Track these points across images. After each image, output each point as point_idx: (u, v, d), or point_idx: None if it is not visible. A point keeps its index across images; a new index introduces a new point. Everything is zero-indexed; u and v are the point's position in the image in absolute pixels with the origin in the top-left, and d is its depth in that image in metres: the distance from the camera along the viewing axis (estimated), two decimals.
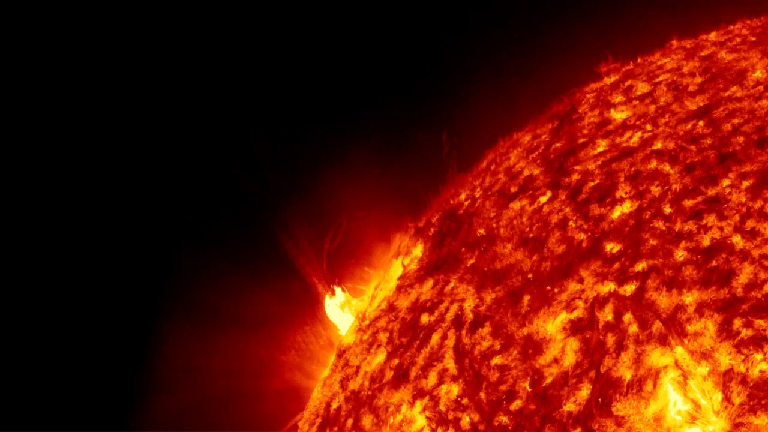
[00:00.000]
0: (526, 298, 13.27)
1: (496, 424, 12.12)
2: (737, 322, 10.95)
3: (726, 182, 12.68)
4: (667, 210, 12.87)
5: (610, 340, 11.75)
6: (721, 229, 12.06)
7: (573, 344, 12.12)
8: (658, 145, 14.10)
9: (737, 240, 11.78)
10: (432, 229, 17.19)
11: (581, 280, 12.76)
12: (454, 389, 13.07)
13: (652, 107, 15.27)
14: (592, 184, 14.25)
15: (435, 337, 14.16)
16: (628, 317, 11.81)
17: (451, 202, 17.49)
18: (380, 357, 15.26)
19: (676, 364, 11.02)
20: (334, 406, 15.78)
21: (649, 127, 14.73)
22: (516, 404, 12.10)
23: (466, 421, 12.59)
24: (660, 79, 16.04)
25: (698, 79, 15.31)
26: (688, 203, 12.72)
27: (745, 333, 10.79)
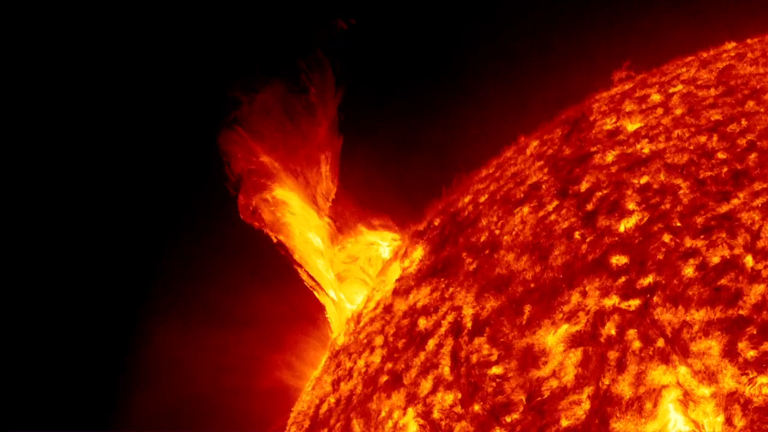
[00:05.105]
0: (527, 308, 12.99)
1: None
2: (743, 344, 10.70)
3: (738, 200, 12.41)
4: (677, 225, 12.59)
5: (612, 355, 11.49)
6: (731, 247, 11.78)
7: (573, 358, 11.84)
8: (670, 158, 13.83)
9: (747, 260, 11.51)
10: (433, 232, 16.93)
11: (585, 293, 12.48)
12: (449, 397, 12.79)
13: (665, 118, 15.01)
14: (600, 194, 13.97)
15: (431, 343, 13.88)
16: (631, 333, 11.55)
17: (455, 205, 17.23)
18: (375, 360, 14.98)
19: (679, 383, 10.78)
20: (324, 408, 15.51)
21: (661, 138, 14.47)
22: (512, 417, 11.82)
23: (459, 429, 12.32)
24: (674, 89, 15.79)
25: (713, 92, 15.06)
26: (698, 219, 12.44)
27: (751, 355, 10.54)
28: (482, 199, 16.48)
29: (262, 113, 21.23)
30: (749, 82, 14.87)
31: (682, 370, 10.82)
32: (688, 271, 11.81)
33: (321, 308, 20.42)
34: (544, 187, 15.12)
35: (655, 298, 11.74)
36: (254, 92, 21.16)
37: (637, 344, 11.36)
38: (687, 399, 10.61)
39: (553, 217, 14.21)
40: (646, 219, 12.99)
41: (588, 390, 11.38)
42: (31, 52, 21.67)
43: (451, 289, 14.63)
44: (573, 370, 11.71)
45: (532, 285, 13.31)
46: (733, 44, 17.05)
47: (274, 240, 20.65)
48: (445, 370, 13.23)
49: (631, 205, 13.37)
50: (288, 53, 21.65)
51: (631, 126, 15.41)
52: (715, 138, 13.80)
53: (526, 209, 14.87)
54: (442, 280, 15.08)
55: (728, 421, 10.20)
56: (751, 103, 14.17)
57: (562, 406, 11.43)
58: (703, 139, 13.92)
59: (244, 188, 20.70)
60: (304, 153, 21.44)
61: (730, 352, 10.64)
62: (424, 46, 23.60)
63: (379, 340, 15.31)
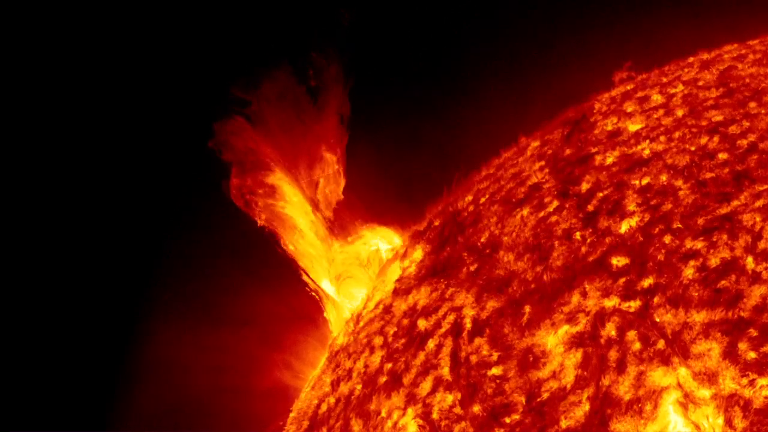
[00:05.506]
0: (527, 309, 12.95)
1: None
2: (743, 346, 10.68)
3: (739, 201, 12.38)
4: (677, 226, 12.55)
5: (612, 356, 11.45)
6: (731, 249, 11.75)
7: (573, 359, 11.81)
8: (671, 159, 13.80)
9: (748, 261, 11.47)
10: (433, 233, 16.87)
11: (585, 294, 12.45)
12: (449, 398, 12.76)
13: (666, 119, 14.98)
14: (601, 195, 13.93)
15: (431, 344, 13.84)
16: (631, 334, 11.51)
17: (455, 205, 17.16)
18: (374, 361, 14.93)
19: (679, 385, 10.75)
20: (323, 408, 15.47)
21: (662, 139, 14.43)
22: (512, 418, 11.78)
23: (458, 430, 12.28)
24: (675, 90, 15.75)
25: (714, 93, 15.02)
26: (699, 220, 12.41)
27: (751, 357, 10.51)
28: (483, 200, 16.43)
29: (265, 106, 21.12)
30: (750, 83, 14.82)
31: (683, 371, 10.79)
32: (689, 272, 11.78)
33: (320, 308, 20.37)
34: (544, 187, 15.08)
35: (655, 300, 11.71)
36: (257, 86, 21.05)
37: (637, 345, 11.33)
38: (687, 401, 10.58)
39: (553, 217, 14.17)
40: (646, 220, 12.96)
41: (588, 391, 11.34)
42: (31, 51, 21.60)
43: (451, 290, 14.58)
44: (573, 371, 11.67)
45: (533, 286, 13.27)
46: (735, 45, 17.00)
47: (260, 224, 20.47)
48: (445, 370, 13.19)
49: (631, 206, 13.33)
50: (292, 47, 21.57)
51: (632, 127, 15.36)
52: (716, 139, 13.77)
53: (526, 210, 14.83)
54: (442, 280, 15.04)
55: (728, 423, 10.17)
56: (752, 105, 14.14)
57: (561, 407, 11.39)
58: (704, 140, 13.89)
59: (240, 168, 20.50)
60: (306, 148, 21.32)
61: (730, 354, 10.62)
62: (424, 46, 23.53)
63: (378, 341, 15.25)
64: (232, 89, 20.90)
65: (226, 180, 20.56)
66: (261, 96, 21.08)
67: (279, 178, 20.86)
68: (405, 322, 15.00)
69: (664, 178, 13.54)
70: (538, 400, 11.68)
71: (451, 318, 13.98)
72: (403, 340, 14.57)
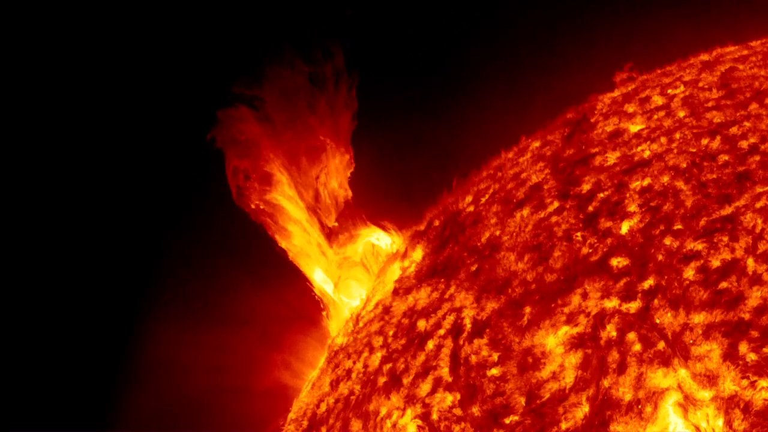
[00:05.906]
0: (528, 310, 12.93)
1: None
2: (744, 347, 10.66)
3: (740, 202, 12.35)
4: (678, 227, 12.53)
5: (612, 357, 11.44)
6: (732, 250, 11.73)
7: (573, 360, 11.79)
8: (672, 160, 13.77)
9: (749, 263, 11.46)
10: (433, 233, 16.85)
11: (585, 295, 12.43)
12: (448, 398, 12.75)
13: (667, 120, 14.94)
14: (601, 195, 13.91)
15: (431, 344, 13.82)
16: (632, 335, 11.49)
17: (456, 205, 17.14)
18: (374, 361, 14.92)
19: (679, 386, 10.73)
20: (323, 408, 15.45)
21: (663, 140, 14.39)
22: (511, 418, 11.77)
23: (458, 431, 12.27)
24: (676, 91, 15.71)
25: (715, 94, 14.98)
26: (700, 222, 12.39)
27: (752, 358, 10.50)
28: (483, 200, 16.40)
29: (267, 102, 21.07)
30: (752, 84, 14.78)
31: (683, 373, 10.78)
32: (690, 273, 11.76)
33: (320, 308, 20.38)
34: (545, 188, 15.04)
35: (655, 301, 11.69)
36: (259, 83, 21.00)
37: (637, 347, 11.32)
38: (687, 402, 10.58)
39: (554, 218, 14.14)
40: (647, 221, 12.93)
41: (588, 392, 11.33)
42: (30, 48, 21.58)
43: (450, 290, 14.56)
44: (573, 372, 11.66)
45: (533, 286, 13.25)
46: (736, 46, 16.96)
47: (253, 208, 20.39)
48: (445, 371, 13.17)
49: (632, 207, 13.31)
50: (295, 44, 21.51)
51: (633, 128, 15.33)
52: (717, 140, 13.74)
53: (526, 210, 14.80)
54: (442, 280, 15.02)
55: (728, 425, 10.16)
56: (753, 106, 14.10)
57: (561, 408, 11.38)
58: (705, 141, 13.86)
59: (240, 155, 20.41)
60: (309, 144, 21.27)
61: (730, 356, 10.61)
62: (424, 46, 23.51)
63: (378, 341, 15.24)
64: (234, 89, 20.90)
65: (226, 167, 20.50)
66: (263, 92, 21.04)
67: (279, 172, 20.85)
68: (405, 322, 14.98)
69: (664, 179, 13.51)
70: (538, 401, 11.67)
71: (450, 318, 13.96)
72: (402, 341, 14.55)
